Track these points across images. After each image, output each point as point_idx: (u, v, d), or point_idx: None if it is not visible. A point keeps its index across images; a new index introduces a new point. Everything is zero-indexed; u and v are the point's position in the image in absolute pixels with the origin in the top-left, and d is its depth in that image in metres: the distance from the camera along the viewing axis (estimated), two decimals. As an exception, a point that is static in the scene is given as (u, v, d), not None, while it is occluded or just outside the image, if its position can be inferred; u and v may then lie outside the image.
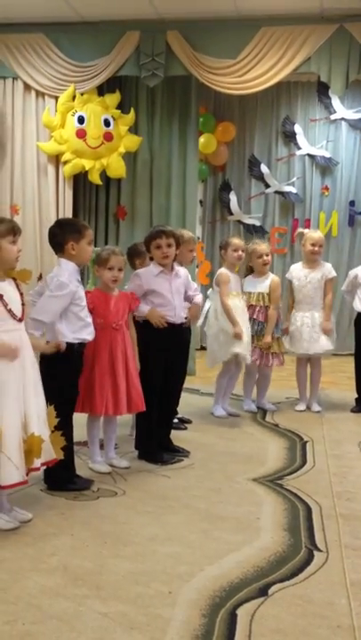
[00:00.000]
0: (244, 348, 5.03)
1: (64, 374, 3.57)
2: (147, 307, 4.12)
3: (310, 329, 5.42)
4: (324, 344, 5.42)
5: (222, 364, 5.27)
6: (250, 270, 5.54)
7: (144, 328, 4.14)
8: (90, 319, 3.66)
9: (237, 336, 4.95)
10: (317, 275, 5.47)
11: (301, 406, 5.62)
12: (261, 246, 5.47)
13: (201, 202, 8.69)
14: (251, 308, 5.34)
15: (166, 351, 4.17)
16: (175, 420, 4.86)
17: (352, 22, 6.26)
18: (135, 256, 4.66)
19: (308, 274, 5.49)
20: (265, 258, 5.44)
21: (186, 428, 4.92)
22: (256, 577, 2.67)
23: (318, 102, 8.67)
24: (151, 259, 4.21)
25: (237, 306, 5.10)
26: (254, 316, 5.33)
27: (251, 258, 5.45)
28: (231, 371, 5.32)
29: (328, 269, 5.53)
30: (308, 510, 3.41)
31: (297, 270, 5.56)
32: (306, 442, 4.68)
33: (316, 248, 5.49)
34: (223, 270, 5.19)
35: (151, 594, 2.53)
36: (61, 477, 3.56)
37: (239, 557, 2.84)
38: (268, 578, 2.66)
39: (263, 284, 5.44)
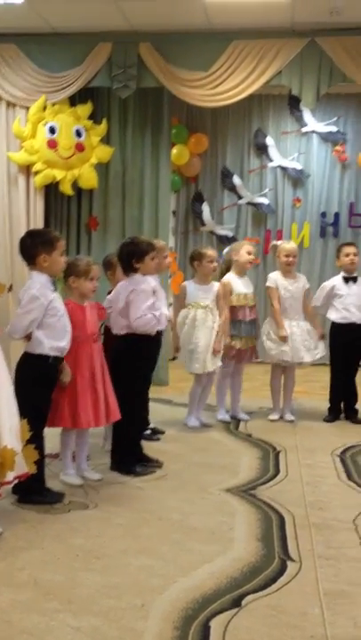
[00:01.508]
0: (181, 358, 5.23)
1: (38, 388, 3.55)
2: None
3: (301, 337, 5.48)
4: (319, 352, 5.55)
5: (194, 375, 5.29)
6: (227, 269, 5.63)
7: (132, 338, 4.08)
8: (69, 328, 3.64)
9: (174, 349, 5.21)
10: (300, 284, 5.59)
11: (275, 416, 5.63)
12: (250, 246, 5.64)
13: (174, 212, 8.71)
14: (253, 309, 5.50)
15: (152, 360, 4.21)
16: (148, 431, 4.85)
17: (322, 36, 6.34)
18: (108, 268, 4.64)
19: (292, 283, 5.56)
20: (252, 256, 5.56)
21: (159, 439, 4.89)
22: (229, 588, 2.65)
23: (290, 115, 8.75)
24: (131, 270, 4.16)
25: (189, 317, 5.15)
26: (255, 316, 5.52)
27: (238, 252, 5.54)
28: (203, 382, 5.32)
29: (305, 280, 5.69)
30: (282, 520, 3.41)
31: (280, 279, 5.58)
32: (279, 451, 4.68)
33: (291, 258, 5.54)
34: (184, 283, 5.35)
35: (124, 607, 2.50)
36: (31, 489, 3.51)
37: (212, 568, 2.83)
38: (241, 589, 2.65)
39: (250, 285, 5.62)
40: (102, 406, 3.84)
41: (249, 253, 5.51)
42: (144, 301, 4.04)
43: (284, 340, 5.41)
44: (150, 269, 4.18)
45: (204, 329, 5.13)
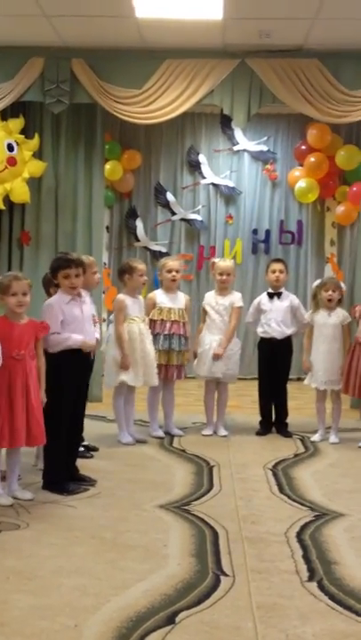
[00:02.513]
0: (131, 377, 5.15)
1: None
2: (79, 336, 4.08)
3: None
4: (224, 369, 5.58)
5: (114, 389, 5.30)
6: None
7: (56, 357, 4.06)
8: None
9: (124, 366, 5.12)
10: (226, 302, 5.63)
11: (208, 431, 5.68)
12: (173, 262, 5.67)
13: (107, 228, 8.70)
14: (175, 323, 5.46)
15: (79, 379, 4.14)
16: (81, 448, 4.79)
17: (253, 58, 6.50)
18: (49, 285, 4.60)
19: (218, 300, 5.64)
20: (174, 274, 5.55)
21: (92, 456, 4.85)
22: (163, 605, 2.65)
23: (222, 133, 8.90)
24: (57, 285, 4.18)
25: (134, 331, 5.17)
26: (180, 332, 5.48)
27: (161, 272, 5.60)
28: (124, 393, 5.31)
29: (236, 298, 5.70)
30: (215, 535, 3.43)
31: (210, 297, 5.73)
32: (213, 466, 4.71)
33: (224, 277, 5.63)
34: (120, 297, 5.29)
35: (56, 628, 2.46)
36: None
37: (146, 586, 2.82)
38: (175, 605, 2.64)
39: (179, 301, 5.59)
40: (22, 427, 3.75)
41: (169, 271, 5.55)
42: (51, 318, 4.02)
43: (194, 355, 5.60)
44: (65, 287, 4.12)
45: (148, 341, 5.23)
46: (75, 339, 4.07)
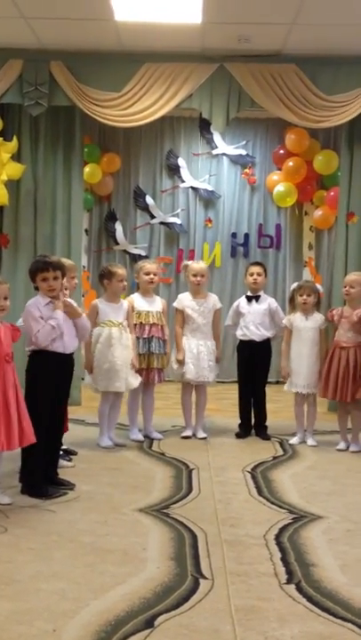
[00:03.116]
0: (90, 379, 5.23)
1: None
2: (58, 313, 4.08)
3: (207, 357, 5.57)
4: (215, 373, 5.69)
5: (101, 392, 5.27)
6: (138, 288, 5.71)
7: (33, 358, 4.07)
8: None
9: (85, 368, 5.22)
10: (209, 305, 5.66)
11: (187, 432, 5.68)
12: (151, 265, 5.64)
13: (86, 231, 8.69)
14: (154, 326, 5.46)
15: (56, 381, 4.14)
16: (60, 452, 4.77)
17: (231, 62, 6.54)
18: None
19: (201, 303, 5.64)
20: (152, 277, 5.54)
21: (71, 460, 4.83)
22: (142, 609, 2.64)
23: (201, 137, 8.93)
24: (36, 288, 4.18)
25: (100, 335, 5.16)
26: (159, 335, 5.47)
27: (138, 275, 5.58)
28: (110, 399, 5.30)
29: (216, 300, 5.75)
30: (194, 538, 3.43)
31: (188, 300, 5.68)
32: (192, 469, 4.71)
33: (198, 278, 5.63)
34: (94, 302, 5.35)
35: (34, 633, 2.45)
36: None
37: (125, 590, 2.81)
38: (154, 609, 2.64)
39: (156, 304, 5.58)
40: (15, 429, 3.76)
41: (147, 274, 5.54)
42: (33, 317, 4.04)
43: (180, 362, 5.53)
44: (43, 290, 4.12)
45: (120, 347, 5.15)
46: (53, 320, 4.05)
